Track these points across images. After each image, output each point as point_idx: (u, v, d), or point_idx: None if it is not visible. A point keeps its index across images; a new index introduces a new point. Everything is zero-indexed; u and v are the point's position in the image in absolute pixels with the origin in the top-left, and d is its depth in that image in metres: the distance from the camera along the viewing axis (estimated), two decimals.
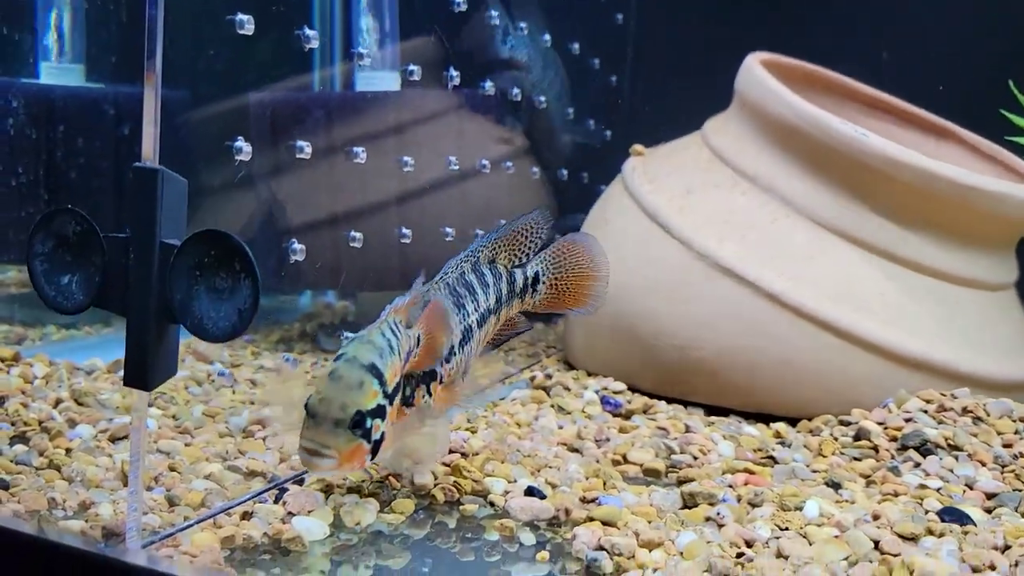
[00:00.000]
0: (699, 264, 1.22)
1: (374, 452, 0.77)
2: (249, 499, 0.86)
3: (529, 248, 1.01)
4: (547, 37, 1.45)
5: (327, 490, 0.88)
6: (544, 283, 1.01)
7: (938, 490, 0.94)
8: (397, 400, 0.81)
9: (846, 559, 0.79)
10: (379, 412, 0.77)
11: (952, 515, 0.87)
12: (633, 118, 1.68)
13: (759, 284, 1.18)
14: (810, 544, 0.81)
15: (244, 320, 0.67)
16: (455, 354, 0.89)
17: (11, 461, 0.90)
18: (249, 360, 1.32)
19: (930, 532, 0.84)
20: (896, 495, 0.94)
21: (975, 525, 0.86)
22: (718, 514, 0.85)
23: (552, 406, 1.18)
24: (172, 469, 0.90)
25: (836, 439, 1.08)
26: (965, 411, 1.09)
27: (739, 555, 0.78)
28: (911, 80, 1.45)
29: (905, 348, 1.15)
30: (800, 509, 0.88)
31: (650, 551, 0.79)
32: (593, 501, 0.89)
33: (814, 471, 1.00)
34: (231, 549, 0.77)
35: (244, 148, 0.83)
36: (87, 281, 0.71)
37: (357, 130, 1.31)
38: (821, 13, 1.63)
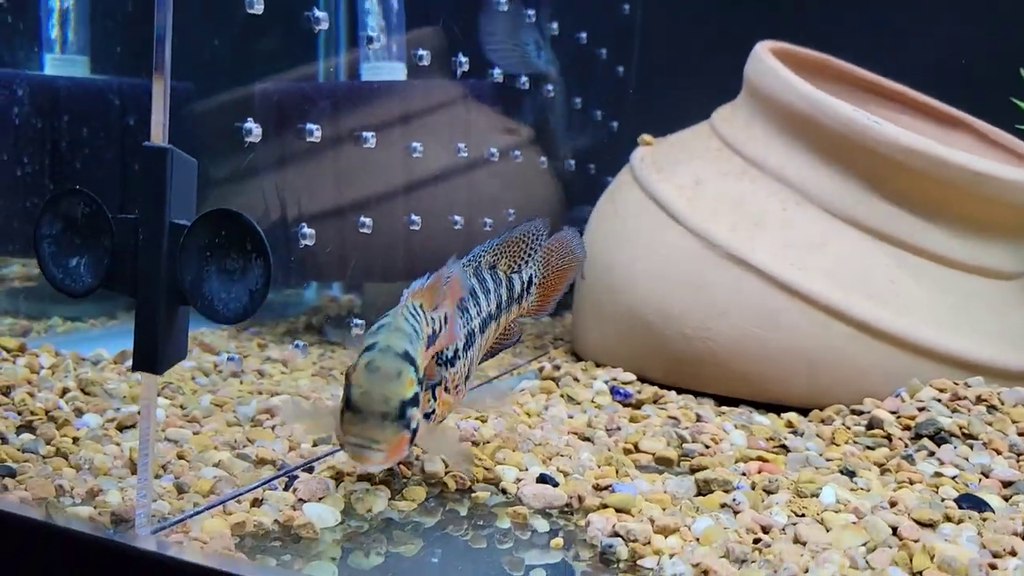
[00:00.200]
0: (709, 253, 1.21)
1: (411, 440, 0.76)
2: (259, 486, 0.85)
3: (528, 256, 1.00)
4: (555, 25, 1.44)
5: (338, 477, 0.87)
6: (535, 285, 1.01)
7: (953, 478, 0.93)
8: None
9: (864, 545, 0.78)
10: (416, 400, 0.75)
11: (970, 502, 0.86)
12: (640, 108, 1.67)
13: (769, 273, 1.17)
14: (827, 530, 0.80)
15: (256, 301, 0.66)
16: (459, 358, 0.88)
17: (18, 449, 0.89)
18: (256, 352, 1.31)
19: (948, 519, 0.83)
20: (911, 483, 0.93)
21: (993, 512, 0.85)
22: (734, 500, 0.84)
23: (562, 396, 1.17)
24: (181, 457, 0.90)
25: (848, 428, 1.07)
26: (979, 400, 1.08)
27: (756, 541, 0.77)
28: (921, 68, 1.44)
29: (917, 337, 1.14)
30: (816, 496, 0.87)
31: (666, 537, 0.78)
32: (606, 488, 0.88)
33: (828, 459, 0.99)
34: (241, 536, 0.76)
35: (254, 130, 0.82)
36: (96, 263, 0.70)
37: (363, 119, 1.30)
38: (828, 2, 1.62)
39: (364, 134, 1.15)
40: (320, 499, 0.83)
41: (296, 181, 1.35)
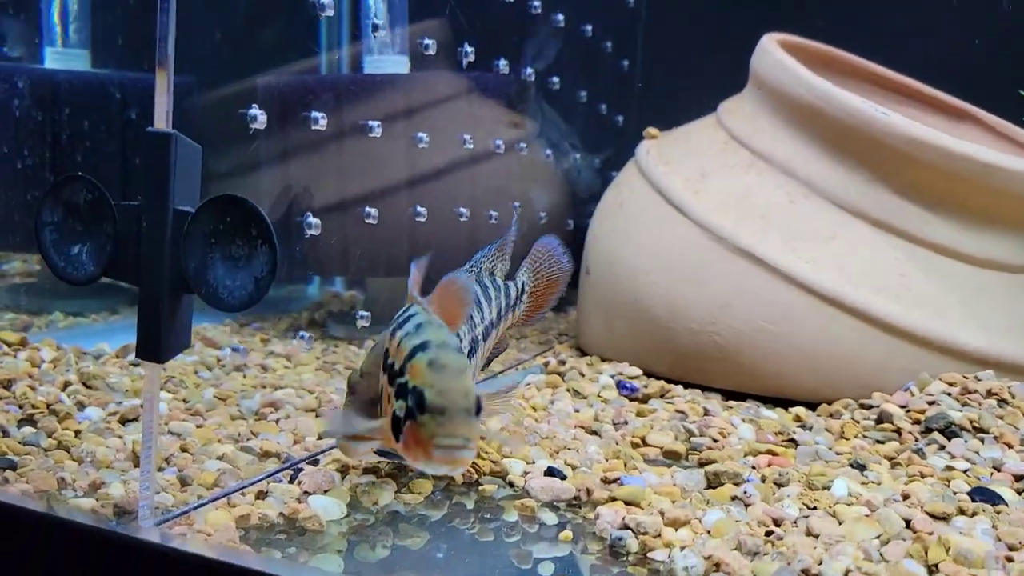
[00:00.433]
0: (715, 246, 1.20)
1: None
2: (264, 478, 0.84)
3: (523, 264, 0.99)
4: (560, 17, 1.43)
5: (343, 470, 0.86)
6: (527, 294, 0.99)
7: (965, 472, 0.92)
8: None
9: (878, 538, 0.77)
10: None
11: (983, 495, 0.85)
12: (645, 102, 1.66)
13: (777, 266, 1.16)
14: (840, 523, 0.79)
15: (261, 289, 0.65)
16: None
17: (19, 442, 0.88)
18: (259, 347, 1.30)
19: (962, 512, 0.82)
20: (923, 477, 0.91)
21: (1007, 505, 0.84)
22: (744, 493, 0.83)
23: (568, 390, 1.16)
24: (184, 450, 0.89)
25: (857, 422, 1.06)
26: (990, 393, 1.07)
27: (768, 533, 0.76)
28: (927, 61, 1.43)
29: (926, 331, 1.13)
30: (828, 488, 0.86)
31: (676, 530, 0.77)
32: (615, 481, 0.87)
33: (837, 453, 0.98)
34: (246, 528, 0.75)
35: (259, 116, 0.81)
36: (98, 251, 0.69)
37: (366, 112, 1.29)
38: None
39: (368, 126, 1.14)
40: (326, 492, 0.82)
41: (298, 175, 1.34)
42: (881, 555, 0.74)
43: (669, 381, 1.22)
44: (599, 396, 1.15)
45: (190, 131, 0.70)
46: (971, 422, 1.01)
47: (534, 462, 0.91)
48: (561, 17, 1.43)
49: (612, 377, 1.21)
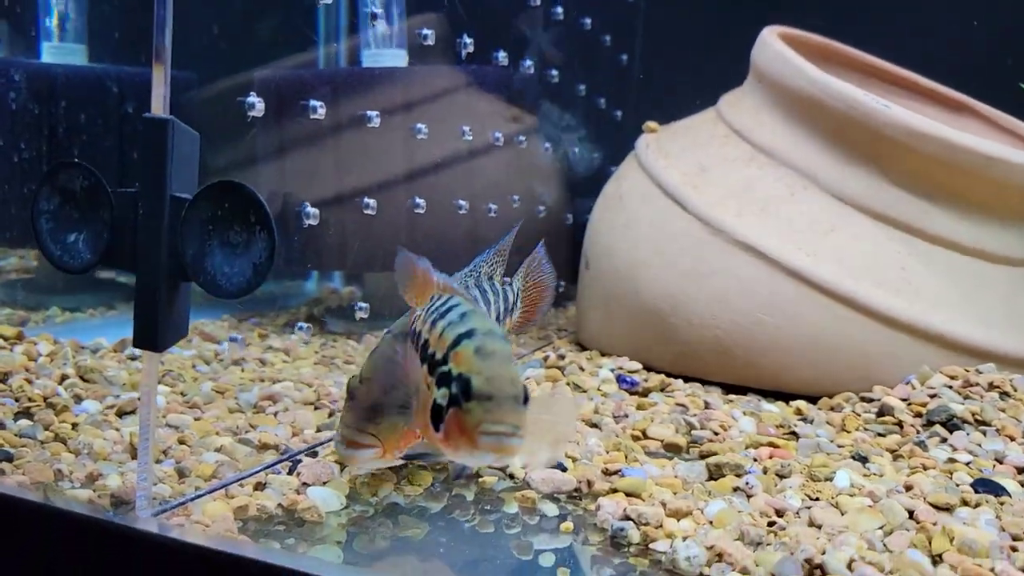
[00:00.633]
0: (716, 240, 1.20)
1: None
2: (262, 470, 0.83)
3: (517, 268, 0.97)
4: (559, 9, 1.43)
5: (342, 462, 0.86)
6: (521, 300, 0.98)
7: (967, 464, 0.92)
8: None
9: (881, 528, 0.76)
10: None
11: (986, 486, 0.85)
12: (644, 95, 1.65)
13: (777, 259, 1.16)
14: (843, 514, 0.78)
15: (259, 275, 0.64)
16: None
17: (15, 435, 0.88)
18: (257, 341, 1.30)
19: (965, 503, 0.81)
20: (925, 469, 0.91)
21: (1010, 496, 0.83)
22: (746, 484, 0.82)
23: (567, 384, 1.16)
24: (182, 442, 0.88)
25: (859, 415, 1.06)
26: (991, 386, 1.07)
27: (771, 524, 0.76)
28: (926, 54, 1.42)
29: (927, 324, 1.12)
30: (830, 479, 0.85)
31: (678, 520, 0.77)
32: (616, 473, 0.86)
33: (839, 446, 0.97)
34: (244, 520, 0.75)
35: (257, 104, 0.80)
36: (94, 238, 0.68)
37: (364, 106, 1.29)
38: None
39: (366, 118, 1.14)
40: (325, 483, 0.81)
41: (295, 171, 1.33)
42: (885, 545, 0.73)
43: (669, 375, 1.21)
44: (599, 390, 1.15)
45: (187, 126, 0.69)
46: (973, 415, 1.01)
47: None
48: (560, 10, 1.43)
49: (612, 371, 1.21)
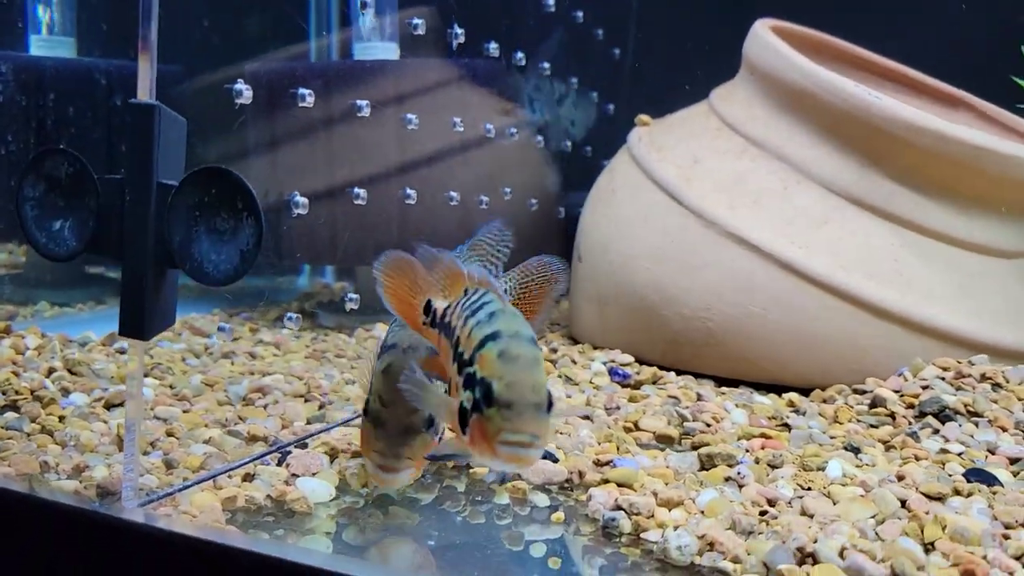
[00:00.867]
0: (708, 232, 1.19)
1: None
2: (251, 461, 0.82)
3: (495, 260, 0.95)
4: (551, 3, 1.42)
5: (332, 454, 0.85)
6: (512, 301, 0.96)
7: (959, 455, 0.92)
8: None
9: (873, 517, 0.76)
10: None
11: (978, 476, 0.85)
12: (636, 89, 1.65)
13: (770, 252, 1.15)
14: (835, 503, 0.78)
15: (247, 262, 0.63)
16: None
17: (1, 427, 0.87)
18: (248, 335, 1.29)
19: (957, 492, 0.81)
20: (917, 459, 0.91)
21: (1002, 486, 0.83)
22: (738, 474, 0.82)
23: (559, 377, 1.15)
24: (170, 435, 0.87)
25: (851, 407, 1.05)
26: (984, 378, 1.07)
27: (763, 513, 0.75)
28: (919, 48, 1.42)
29: (920, 316, 1.12)
30: (822, 469, 0.85)
31: (670, 510, 0.76)
32: (607, 464, 0.86)
33: (831, 437, 0.97)
34: (232, 511, 0.74)
35: (244, 92, 0.79)
36: (80, 226, 0.68)
37: (355, 99, 1.28)
38: None
39: (357, 108, 1.13)
40: (314, 474, 0.81)
41: (285, 162, 1.33)
42: (877, 534, 0.73)
43: (661, 368, 1.21)
44: (591, 383, 1.14)
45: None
46: (965, 406, 1.00)
47: None
48: (552, 2, 1.42)
49: (604, 364, 1.20)
